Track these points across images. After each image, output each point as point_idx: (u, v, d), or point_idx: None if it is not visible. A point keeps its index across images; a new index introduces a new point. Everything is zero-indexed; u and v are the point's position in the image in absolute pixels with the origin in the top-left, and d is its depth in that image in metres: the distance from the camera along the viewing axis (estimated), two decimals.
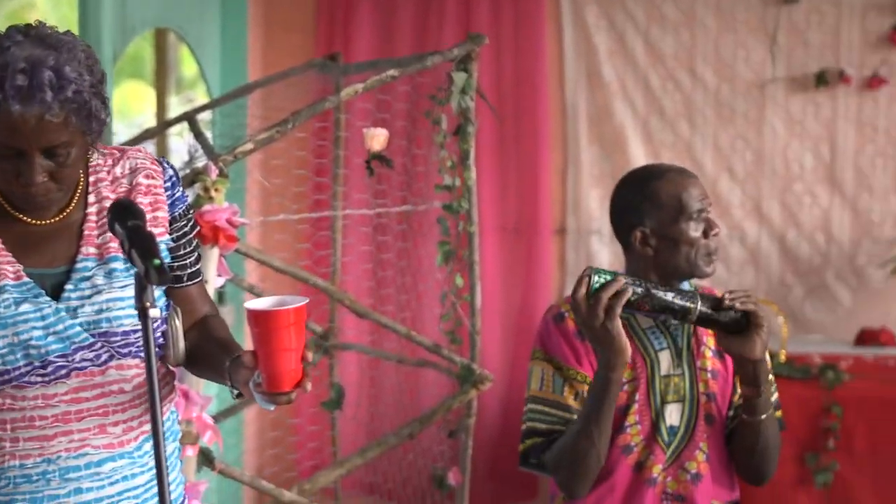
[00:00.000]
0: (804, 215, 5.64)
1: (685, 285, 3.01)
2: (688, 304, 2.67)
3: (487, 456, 5.47)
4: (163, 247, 2.24)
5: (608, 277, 2.62)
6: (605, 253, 5.63)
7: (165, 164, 2.33)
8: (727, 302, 2.69)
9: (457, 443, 4.17)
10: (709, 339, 2.96)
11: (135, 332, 2.17)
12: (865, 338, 5.38)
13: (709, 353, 2.94)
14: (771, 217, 5.64)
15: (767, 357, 2.82)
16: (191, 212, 2.38)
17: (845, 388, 4.50)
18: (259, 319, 2.04)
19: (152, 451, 2.18)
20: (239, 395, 2.22)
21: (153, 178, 2.27)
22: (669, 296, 2.66)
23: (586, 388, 2.86)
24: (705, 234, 2.84)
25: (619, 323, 2.62)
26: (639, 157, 5.53)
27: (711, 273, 2.87)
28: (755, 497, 4.08)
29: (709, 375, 2.93)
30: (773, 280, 5.65)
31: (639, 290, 2.63)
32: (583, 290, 2.61)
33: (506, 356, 5.55)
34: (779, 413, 3.06)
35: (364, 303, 4.75)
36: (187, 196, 2.38)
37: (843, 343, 5.44)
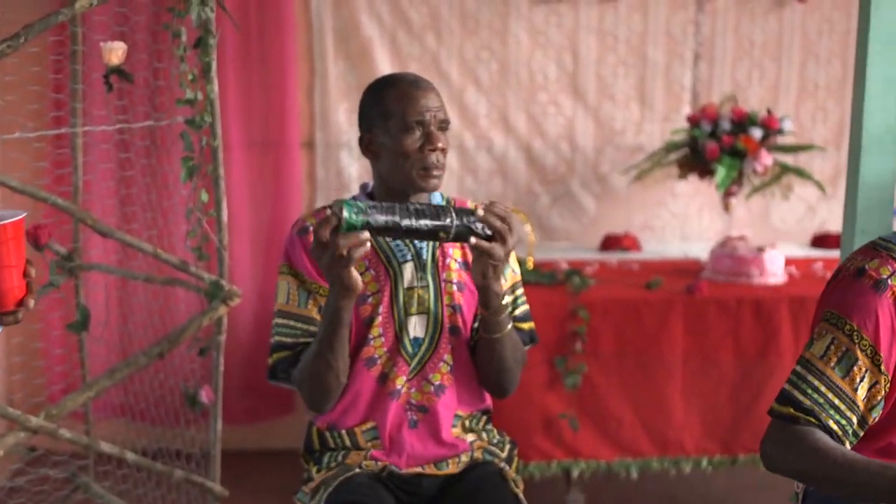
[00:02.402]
0: (549, 125, 5.74)
1: (437, 198, 3.02)
2: (439, 227, 2.62)
3: (241, 373, 5.43)
4: None
5: (357, 219, 2.54)
6: (355, 167, 5.62)
7: None
8: (475, 225, 2.67)
9: (208, 360, 4.12)
10: (455, 251, 2.98)
11: None
12: (610, 243, 5.54)
13: (455, 266, 2.97)
14: (517, 127, 5.71)
15: (501, 285, 2.80)
16: None
17: (591, 293, 4.60)
18: None
19: None
20: None
21: None
22: (420, 223, 2.60)
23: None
24: (422, 148, 2.83)
25: (351, 269, 2.59)
26: (386, 71, 5.52)
27: (432, 188, 2.85)
28: (506, 402, 4.15)
29: (454, 287, 2.96)
30: (520, 189, 5.73)
31: (384, 219, 2.57)
32: (327, 231, 2.56)
33: (256, 272, 5.51)
34: (528, 325, 3.10)
35: (109, 222, 4.64)
36: None
37: (588, 249, 5.59)
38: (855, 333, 2.48)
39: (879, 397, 2.50)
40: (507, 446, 3.14)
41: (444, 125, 2.86)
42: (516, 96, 5.70)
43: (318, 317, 2.88)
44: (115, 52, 3.70)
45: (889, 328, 2.48)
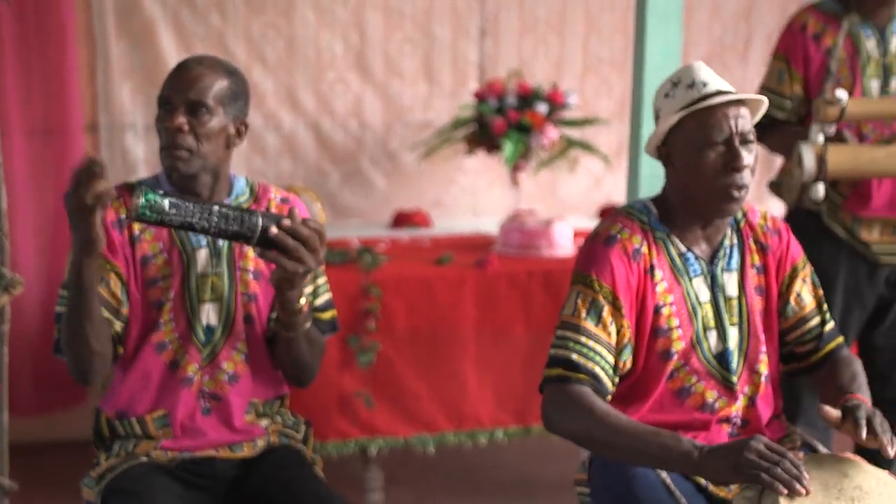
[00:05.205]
0: (337, 102, 5.72)
1: (241, 184, 2.98)
2: (240, 234, 2.61)
3: (29, 363, 5.29)
4: None
5: (151, 215, 2.52)
6: (141, 149, 5.51)
7: None
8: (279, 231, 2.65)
9: None
10: None
11: None
12: (401, 220, 5.54)
13: (251, 254, 2.94)
14: (305, 105, 5.68)
15: (298, 293, 2.78)
16: None
17: (383, 270, 4.60)
18: None
19: None
20: None
21: None
22: (220, 229, 2.59)
23: (113, 276, 2.81)
24: (168, 127, 2.81)
25: (95, 220, 2.51)
26: (171, 51, 5.43)
27: (173, 169, 2.83)
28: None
29: (250, 276, 2.93)
30: (310, 168, 5.71)
31: (180, 222, 2.55)
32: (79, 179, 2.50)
33: (42, 260, 5.35)
34: (330, 314, 3.08)
35: None
36: None
37: (379, 226, 5.59)
38: (595, 283, 2.69)
39: (625, 341, 2.70)
40: (303, 427, 3.13)
41: (193, 106, 2.81)
42: (304, 74, 5.67)
43: (100, 290, 2.80)
44: None
45: (624, 276, 2.70)
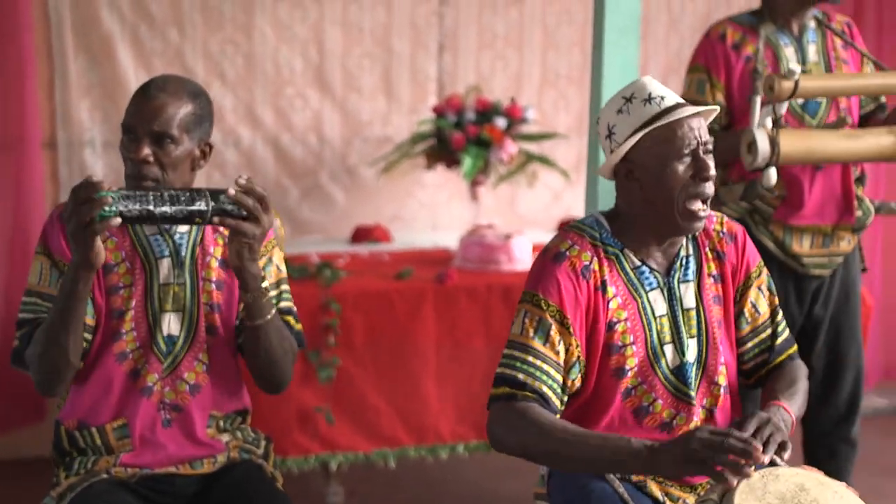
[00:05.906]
0: (296, 118, 5.72)
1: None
2: (194, 212, 2.62)
3: None
4: None
5: (110, 210, 2.54)
6: (100, 165, 5.48)
7: None
8: (228, 206, 2.66)
9: None
10: (216, 249, 2.95)
11: None
12: (360, 235, 5.54)
13: (214, 264, 2.94)
14: (264, 121, 5.67)
15: (258, 266, 2.76)
16: None
17: (343, 285, 4.60)
18: None
19: None
20: None
21: None
22: (174, 209, 2.59)
23: None
24: (126, 157, 2.82)
25: (95, 238, 2.57)
26: (129, 67, 5.41)
27: None
28: (261, 399, 4.12)
29: (213, 286, 2.93)
30: (269, 183, 5.69)
31: (137, 209, 2.56)
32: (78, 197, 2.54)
33: (1, 274, 5.32)
34: (295, 325, 3.07)
35: None
36: None
37: (339, 241, 5.58)
38: (542, 301, 2.65)
39: (574, 359, 2.67)
40: (263, 443, 3.13)
41: (158, 137, 2.80)
42: (263, 90, 5.67)
43: None
44: None
45: (572, 294, 2.67)
